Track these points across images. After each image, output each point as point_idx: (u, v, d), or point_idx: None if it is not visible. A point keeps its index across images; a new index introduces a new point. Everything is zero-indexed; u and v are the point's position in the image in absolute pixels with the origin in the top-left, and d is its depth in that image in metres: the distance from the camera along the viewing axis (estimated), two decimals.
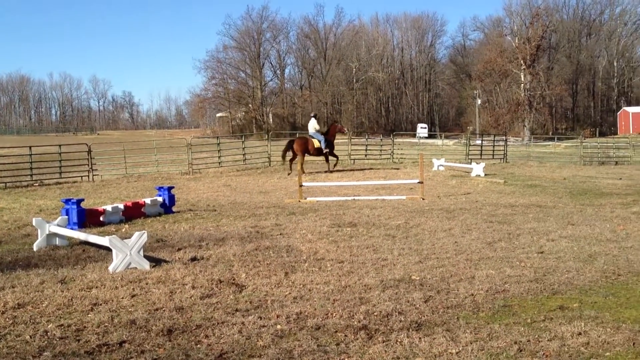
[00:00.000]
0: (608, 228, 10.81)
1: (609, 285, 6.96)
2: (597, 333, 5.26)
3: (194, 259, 8.35)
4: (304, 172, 22.08)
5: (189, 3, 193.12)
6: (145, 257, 8.01)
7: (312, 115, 27.49)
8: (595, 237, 9.92)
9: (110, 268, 7.69)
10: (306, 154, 24.61)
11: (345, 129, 27.92)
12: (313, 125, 25.65)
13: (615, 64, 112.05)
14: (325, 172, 25.02)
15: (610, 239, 9.70)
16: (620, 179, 21.78)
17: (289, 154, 25.33)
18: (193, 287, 6.82)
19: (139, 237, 7.85)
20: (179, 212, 13.66)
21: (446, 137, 62.12)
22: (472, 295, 6.48)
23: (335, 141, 25.82)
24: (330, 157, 25.41)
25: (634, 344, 5.03)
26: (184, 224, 11.73)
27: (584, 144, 39.23)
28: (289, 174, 24.30)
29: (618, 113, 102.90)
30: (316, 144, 24.69)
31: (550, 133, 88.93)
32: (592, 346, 5.00)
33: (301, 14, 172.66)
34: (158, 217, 12.81)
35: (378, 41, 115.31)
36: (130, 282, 7.11)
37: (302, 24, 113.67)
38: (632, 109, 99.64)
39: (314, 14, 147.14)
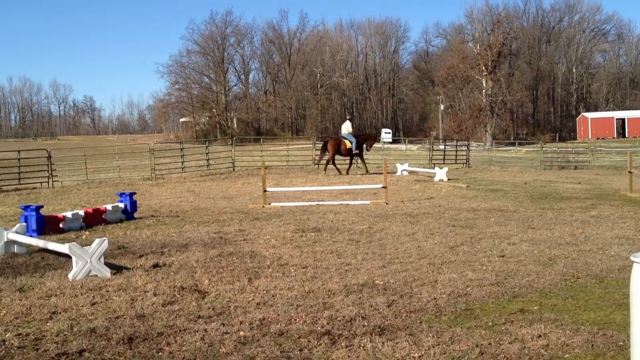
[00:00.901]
0: (567, 232, 11.00)
1: (568, 288, 7.07)
2: (557, 335, 5.33)
3: (156, 266, 8.26)
4: (340, 173, 25.77)
5: (151, 7, 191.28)
6: (106, 264, 7.89)
7: (347, 117, 29.17)
8: (555, 240, 10.08)
9: (70, 276, 7.56)
10: (339, 154, 26.36)
11: (372, 144, 29.09)
12: (347, 127, 26.96)
13: (574, 70, 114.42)
14: (346, 173, 26.28)
15: (570, 243, 9.87)
16: (579, 183, 22.20)
17: (326, 154, 26.77)
18: (155, 294, 6.74)
19: (100, 244, 7.73)
20: (140, 218, 13.50)
21: (410, 142, 62.59)
22: (435, 299, 6.53)
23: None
24: (358, 161, 27.11)
25: (592, 345, 5.11)
26: (146, 230, 11.60)
27: (544, 148, 39.89)
28: (325, 172, 26.07)
29: (577, 118, 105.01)
30: (348, 144, 26.16)
31: (512, 138, 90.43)
32: (552, 348, 5.07)
33: (265, 19, 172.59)
34: (119, 224, 12.63)
35: (342, 46, 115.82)
36: (91, 289, 6.99)
37: (266, 29, 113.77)
38: (590, 115, 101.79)
39: (278, 19, 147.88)
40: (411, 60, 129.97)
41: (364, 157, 27.37)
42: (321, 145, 27.59)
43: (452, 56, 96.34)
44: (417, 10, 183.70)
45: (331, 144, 26.34)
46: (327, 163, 26.62)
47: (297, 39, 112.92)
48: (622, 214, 13.42)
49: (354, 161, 27.47)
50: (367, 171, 26.64)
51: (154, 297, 6.62)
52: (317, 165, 27.21)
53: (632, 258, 4.42)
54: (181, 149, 30.42)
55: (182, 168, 29.11)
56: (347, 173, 26.26)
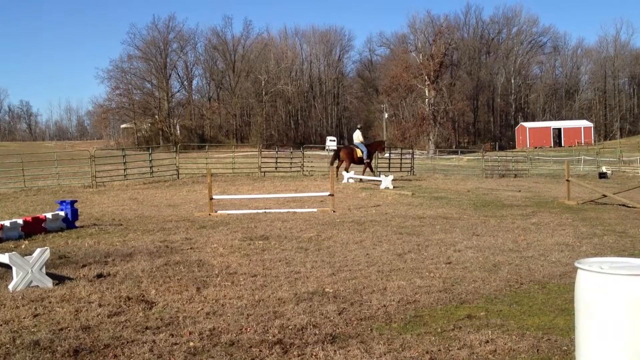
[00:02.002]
0: (510, 238, 11.24)
1: (513, 293, 7.22)
2: (504, 341, 5.43)
3: (100, 276, 8.06)
4: (348, 171, 26.35)
5: (90, 11, 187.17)
6: (48, 274, 7.66)
7: (358, 127, 29.58)
8: (498, 247, 10.29)
9: (10, 287, 7.31)
10: (352, 162, 27.10)
11: (385, 152, 30.14)
12: (358, 136, 27.65)
13: (512, 81, 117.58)
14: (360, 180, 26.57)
15: (513, 249, 10.09)
16: (520, 191, 22.74)
17: (337, 162, 27.36)
18: (100, 305, 6.57)
19: (41, 254, 7.50)
20: (82, 227, 13.18)
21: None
22: (385, 306, 6.57)
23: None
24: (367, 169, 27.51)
25: (538, 350, 5.23)
26: (89, 239, 11.32)
27: (485, 157, 40.77)
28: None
29: (516, 128, 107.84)
30: (359, 153, 26.90)
31: (454, 146, 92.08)
32: (499, 353, 5.16)
33: (209, 25, 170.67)
34: (60, 233, 12.30)
35: (287, 54, 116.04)
36: (32, 301, 6.77)
37: (210, 35, 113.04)
38: (528, 124, 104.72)
39: (222, 26, 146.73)
40: (355, 69, 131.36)
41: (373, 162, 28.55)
42: (333, 152, 28.54)
43: (396, 65, 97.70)
44: (361, 19, 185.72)
45: (344, 153, 27.10)
46: (339, 168, 26.96)
47: (241, 45, 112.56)
48: (561, 221, 13.79)
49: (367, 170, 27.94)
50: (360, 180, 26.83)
51: (99, 308, 6.45)
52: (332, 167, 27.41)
53: (576, 264, 4.53)
54: (123, 156, 29.84)
55: (125, 175, 28.58)
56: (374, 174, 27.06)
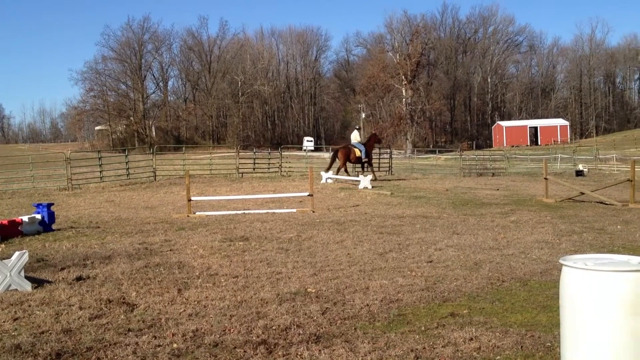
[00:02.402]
0: (490, 236, 11.31)
1: (495, 291, 7.25)
2: (488, 338, 5.44)
3: (79, 279, 7.95)
4: (348, 174, 26.94)
5: (64, 12, 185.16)
6: (27, 277, 7.53)
7: (356, 127, 29.99)
8: (479, 245, 10.34)
9: None
10: (348, 162, 27.28)
11: (381, 139, 30.11)
12: (355, 137, 27.83)
13: (489, 80, 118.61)
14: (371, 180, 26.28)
15: (493, 247, 10.14)
16: (498, 189, 22.89)
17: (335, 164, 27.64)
18: (80, 308, 6.47)
19: (20, 257, 7.38)
20: (59, 229, 13.02)
21: (332, 150, 63.05)
22: (368, 305, 6.55)
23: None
24: (367, 167, 27.67)
25: (522, 347, 5.25)
26: (66, 242, 11.18)
27: (462, 156, 41.01)
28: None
29: (493, 127, 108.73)
30: (357, 153, 26.95)
31: (431, 146, 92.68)
32: (484, 350, 5.17)
33: (184, 26, 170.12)
34: (37, 236, 12.14)
35: (263, 55, 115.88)
36: (12, 304, 6.65)
37: (186, 36, 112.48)
38: (505, 123, 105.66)
39: (198, 26, 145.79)
40: (332, 69, 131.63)
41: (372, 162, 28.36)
42: (331, 154, 28.72)
43: (373, 65, 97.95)
44: (337, 19, 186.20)
45: (341, 153, 27.16)
46: (338, 170, 27.17)
47: (217, 46, 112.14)
48: (539, 219, 13.90)
49: (366, 168, 28.01)
50: (375, 178, 26.91)
51: (80, 311, 6.36)
52: (328, 172, 27.57)
53: (561, 261, 4.55)
54: (99, 158, 29.54)
55: (101, 178, 28.29)
56: (374, 179, 26.63)
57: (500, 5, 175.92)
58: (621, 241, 10.73)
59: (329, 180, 26.37)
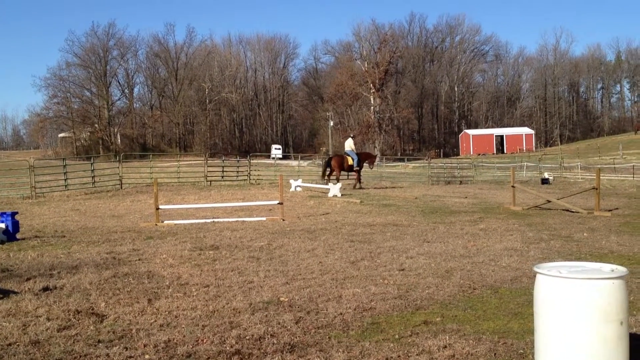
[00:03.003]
0: (460, 244, 11.37)
1: (467, 299, 7.28)
2: (461, 345, 5.46)
3: (46, 289, 7.77)
4: (338, 181, 26.14)
5: (27, 17, 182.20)
6: None
7: (350, 135, 30.19)
8: (449, 253, 10.39)
9: None
10: (342, 170, 27.68)
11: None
12: (349, 144, 28.22)
13: (456, 89, 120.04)
14: (353, 187, 27.44)
15: (464, 255, 10.20)
16: (466, 197, 23.07)
17: (328, 170, 27.85)
18: (48, 319, 6.32)
19: None
20: (23, 239, 12.75)
21: (301, 158, 63.08)
22: (341, 314, 6.53)
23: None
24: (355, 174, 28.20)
25: (495, 354, 5.27)
26: (31, 252, 10.93)
27: (430, 164, 41.31)
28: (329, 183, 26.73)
29: (460, 135, 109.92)
30: (350, 161, 27.45)
31: (399, 154, 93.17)
32: (458, 358, 5.18)
33: (151, 33, 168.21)
34: (1, 245, 11.86)
35: (231, 62, 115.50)
36: None
37: (152, 42, 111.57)
38: (472, 132, 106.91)
39: (164, 33, 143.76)
40: (300, 77, 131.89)
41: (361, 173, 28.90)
42: (325, 161, 29.30)
43: (341, 73, 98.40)
44: (306, 27, 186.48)
45: (335, 161, 27.58)
46: (330, 176, 27.53)
47: (184, 53, 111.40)
48: (508, 227, 14.04)
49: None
50: (360, 187, 27.60)
51: (48, 322, 6.20)
52: (324, 180, 27.82)
53: (535, 269, 4.59)
54: (64, 166, 29.05)
55: (66, 186, 27.83)
56: (357, 187, 27.33)
57: (466, 15, 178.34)
58: (588, 248, 10.88)
59: (298, 189, 26.34)
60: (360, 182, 28.11)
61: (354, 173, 28.87)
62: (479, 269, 9.03)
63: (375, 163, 31.04)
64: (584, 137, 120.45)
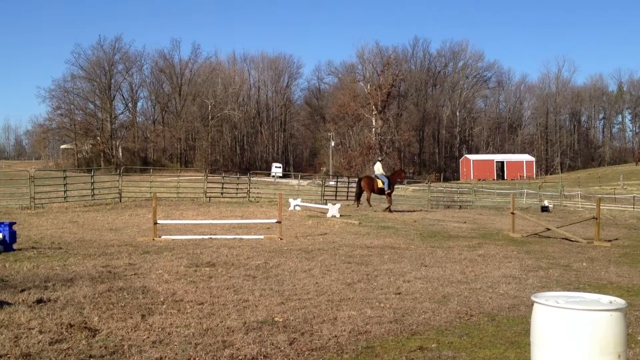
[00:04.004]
0: (458, 270, 11.30)
1: (463, 325, 7.21)
2: None
3: (40, 301, 7.71)
4: (370, 206, 27.55)
5: (34, 29, 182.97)
6: None
7: (378, 159, 30.64)
8: (447, 278, 10.32)
9: None
10: (372, 192, 27.85)
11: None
12: (378, 168, 28.45)
13: (457, 113, 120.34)
14: (384, 210, 27.00)
15: (461, 281, 10.13)
16: (465, 222, 23.01)
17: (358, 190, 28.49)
18: (41, 332, 6.25)
19: None
20: (20, 249, 12.70)
21: (301, 178, 63.08)
22: (336, 336, 6.46)
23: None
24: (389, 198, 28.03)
25: None
26: (27, 263, 10.87)
27: (430, 188, 41.27)
28: (357, 207, 27.62)
29: (460, 160, 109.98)
30: (380, 184, 27.49)
31: None
32: None
33: (156, 48, 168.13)
34: None
35: (235, 79, 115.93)
36: None
37: (157, 57, 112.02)
38: (473, 157, 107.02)
39: (170, 49, 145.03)
40: (303, 96, 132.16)
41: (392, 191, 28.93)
42: (356, 182, 29.68)
43: (344, 94, 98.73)
44: (310, 47, 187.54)
45: (365, 182, 27.81)
46: (367, 199, 28.03)
47: (188, 69, 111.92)
48: (506, 254, 13.98)
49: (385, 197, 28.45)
50: (389, 210, 27.16)
51: (40, 335, 6.14)
52: (355, 202, 28.40)
53: (533, 298, 4.55)
54: (64, 177, 29.04)
55: (65, 197, 27.79)
56: (390, 211, 26.89)
57: (470, 40, 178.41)
58: (587, 278, 10.81)
59: (297, 208, 26.28)
60: (390, 205, 27.89)
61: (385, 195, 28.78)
62: (476, 295, 8.96)
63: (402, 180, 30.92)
64: (585, 166, 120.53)
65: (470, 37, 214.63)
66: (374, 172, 28.96)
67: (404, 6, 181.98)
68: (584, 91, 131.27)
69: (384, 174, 28.30)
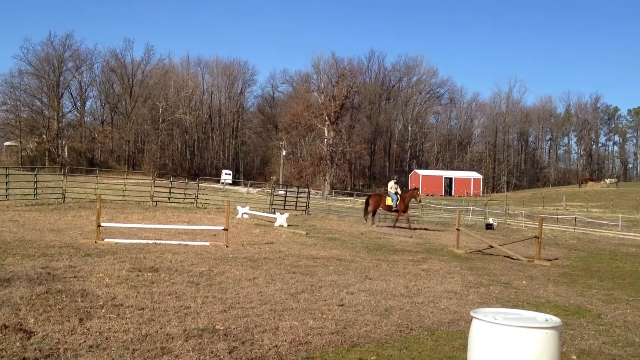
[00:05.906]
0: (401, 283, 11.41)
1: (403, 339, 7.29)
2: None
3: None
4: (373, 223, 27.81)
5: None
6: None
7: (393, 178, 30.41)
8: (390, 291, 10.41)
9: None
10: (378, 207, 28.49)
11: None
12: (391, 186, 28.77)
13: (409, 128, 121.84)
14: (391, 226, 27.84)
15: (404, 294, 10.23)
16: (411, 237, 23.23)
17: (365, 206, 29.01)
18: None
19: None
20: None
21: (251, 185, 62.76)
22: (276, 346, 6.45)
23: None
24: (400, 216, 28.48)
25: None
26: None
27: None
28: (364, 223, 27.93)
29: (410, 174, 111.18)
30: (389, 201, 27.99)
31: (349, 188, 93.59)
32: None
33: (108, 47, 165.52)
34: None
35: (188, 83, 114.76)
36: None
37: (109, 56, 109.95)
38: (422, 172, 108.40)
39: (122, 48, 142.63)
40: (257, 104, 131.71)
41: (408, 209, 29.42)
42: (365, 202, 30.20)
43: (297, 103, 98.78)
44: (265, 54, 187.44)
45: (373, 199, 28.67)
46: (372, 214, 28.46)
47: (140, 70, 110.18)
48: (449, 269, 14.18)
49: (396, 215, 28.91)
50: (394, 226, 27.85)
51: None
52: (366, 217, 28.64)
53: (471, 313, 4.64)
54: (6, 175, 28.22)
55: (6, 196, 26.99)
56: (405, 226, 27.54)
57: (425, 56, 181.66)
58: (526, 296, 11.04)
59: (245, 216, 26.17)
60: (409, 222, 28.20)
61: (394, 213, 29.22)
62: (417, 309, 9.07)
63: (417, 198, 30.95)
64: (530, 186, 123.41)
65: (425, 53, 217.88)
66: (386, 189, 29.51)
67: (361, 18, 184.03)
68: (533, 112, 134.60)
69: (398, 192, 28.57)
